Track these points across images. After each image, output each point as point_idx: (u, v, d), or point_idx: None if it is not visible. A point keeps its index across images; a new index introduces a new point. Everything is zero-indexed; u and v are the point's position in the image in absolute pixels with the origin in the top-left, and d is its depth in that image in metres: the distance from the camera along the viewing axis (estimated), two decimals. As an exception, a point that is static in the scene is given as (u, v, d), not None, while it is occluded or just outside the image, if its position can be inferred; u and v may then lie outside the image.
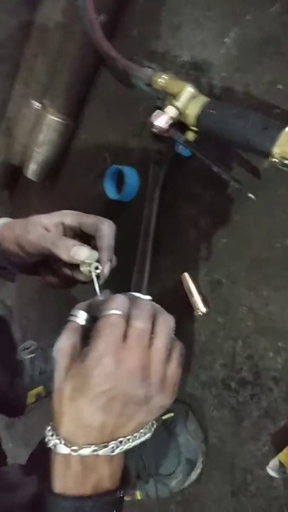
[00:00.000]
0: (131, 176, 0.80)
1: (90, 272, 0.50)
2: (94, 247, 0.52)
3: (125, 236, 0.81)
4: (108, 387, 0.37)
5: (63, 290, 0.59)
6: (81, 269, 0.51)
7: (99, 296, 0.47)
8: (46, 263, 0.57)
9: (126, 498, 0.75)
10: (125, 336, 0.39)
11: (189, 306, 0.71)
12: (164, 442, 0.70)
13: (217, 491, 0.70)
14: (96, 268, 0.50)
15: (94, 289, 0.49)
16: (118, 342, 0.38)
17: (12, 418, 0.91)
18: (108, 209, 0.87)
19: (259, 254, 0.63)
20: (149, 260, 0.76)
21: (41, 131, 0.92)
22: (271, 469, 0.60)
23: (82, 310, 0.44)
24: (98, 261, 0.51)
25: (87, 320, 0.43)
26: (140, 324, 0.39)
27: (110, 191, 0.84)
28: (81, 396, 0.38)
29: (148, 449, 0.71)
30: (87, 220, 0.53)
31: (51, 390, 0.42)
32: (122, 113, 0.85)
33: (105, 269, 0.51)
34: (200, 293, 0.70)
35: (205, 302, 0.70)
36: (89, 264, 0.50)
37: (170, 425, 0.71)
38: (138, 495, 0.74)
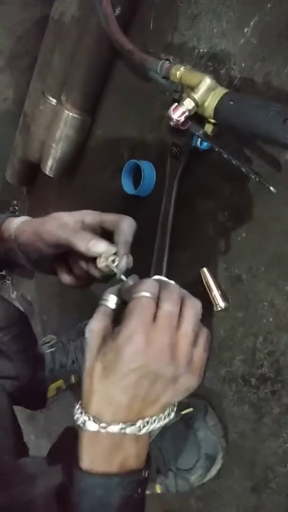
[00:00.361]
0: (149, 170, 0.79)
1: (106, 266, 0.50)
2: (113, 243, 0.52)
3: (143, 231, 0.80)
4: (138, 365, 0.39)
5: (78, 289, 0.60)
6: (98, 264, 0.51)
7: (129, 280, 0.47)
8: (62, 261, 0.57)
9: (146, 492, 0.75)
10: (155, 317, 0.40)
11: (208, 302, 0.70)
12: (183, 437, 0.70)
13: (237, 487, 0.70)
14: (113, 261, 0.50)
15: (114, 282, 0.50)
16: (148, 322, 0.40)
17: (33, 410, 0.93)
18: (126, 204, 0.86)
19: (279, 249, 0.61)
20: (167, 255, 0.76)
21: (58, 127, 0.92)
22: (293, 466, 0.59)
23: (113, 294, 0.46)
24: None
25: (118, 304, 0.45)
26: (169, 306, 0.41)
27: (128, 186, 0.84)
28: (111, 374, 0.40)
29: (168, 443, 0.72)
30: (108, 218, 0.54)
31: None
32: (139, 107, 0.84)
33: (122, 262, 0.51)
34: (219, 288, 0.69)
35: (225, 297, 0.69)
36: (106, 259, 0.50)
37: (190, 420, 0.71)
38: (158, 488, 0.74)
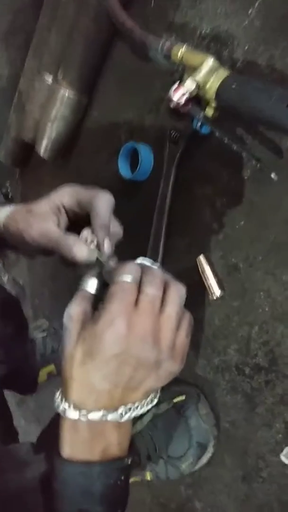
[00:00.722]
0: (146, 154, 0.77)
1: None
2: None
3: (139, 216, 0.79)
4: (119, 350, 0.38)
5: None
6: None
7: (109, 264, 0.46)
8: None
9: (137, 479, 0.75)
10: (137, 302, 0.39)
11: (204, 290, 0.69)
12: (174, 425, 0.70)
13: (228, 475, 0.70)
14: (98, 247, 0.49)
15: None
16: (130, 306, 0.39)
17: (23, 395, 0.92)
18: (122, 189, 0.84)
19: (278, 238, 0.60)
20: (163, 241, 0.74)
21: (54, 106, 0.89)
22: (285, 457, 0.59)
23: (93, 278, 0.44)
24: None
25: (98, 289, 0.44)
26: (152, 290, 0.40)
27: (124, 170, 0.82)
28: (92, 360, 0.39)
29: (159, 431, 0.71)
30: (83, 197, 0.50)
31: (61, 360, 0.43)
32: (137, 89, 0.82)
33: (105, 246, 0.48)
34: (215, 276, 0.68)
35: (221, 285, 0.68)
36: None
37: (181, 408, 0.70)
38: (148, 475, 0.74)
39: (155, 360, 0.40)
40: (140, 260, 0.46)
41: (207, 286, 0.68)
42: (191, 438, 0.69)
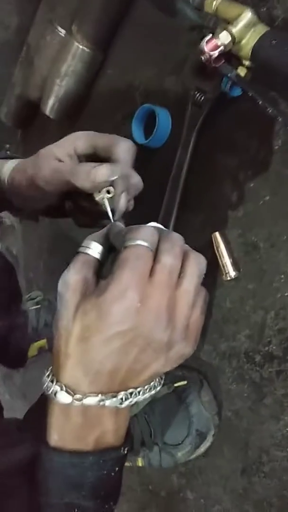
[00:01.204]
0: (164, 118, 0.71)
1: (103, 199, 0.43)
2: None
3: (150, 186, 0.73)
4: (127, 326, 0.32)
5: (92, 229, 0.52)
6: (96, 198, 0.44)
7: (115, 223, 0.40)
8: (70, 202, 0.50)
9: (127, 464, 0.71)
10: (151, 272, 0.33)
11: (217, 269, 0.64)
12: (174, 411, 0.66)
13: (226, 467, 0.66)
14: (108, 192, 0.43)
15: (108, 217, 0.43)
16: (145, 276, 0.33)
17: (11, 369, 0.87)
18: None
19: (307, 216, 0.55)
20: (175, 214, 0.69)
21: (65, 61, 0.82)
22: (294, 452, 0.55)
23: (96, 241, 0.37)
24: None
25: (102, 254, 0.37)
26: (170, 259, 0.34)
27: (138, 135, 0.76)
28: (94, 335, 0.33)
29: (156, 416, 0.67)
30: (101, 142, 0.45)
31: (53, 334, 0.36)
32: (159, 46, 0.75)
33: (121, 200, 0.43)
34: (231, 255, 0.63)
35: (236, 266, 0.63)
36: (105, 191, 0.43)
37: (183, 393, 0.66)
38: (140, 461, 0.70)
39: (167, 341, 0.34)
40: (151, 224, 0.39)
41: (221, 265, 0.63)
42: (191, 426, 0.64)
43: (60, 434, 0.36)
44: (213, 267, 0.65)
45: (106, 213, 0.44)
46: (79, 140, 0.46)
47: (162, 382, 0.39)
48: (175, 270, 0.34)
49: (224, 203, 0.64)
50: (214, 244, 0.64)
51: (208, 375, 0.67)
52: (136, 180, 0.46)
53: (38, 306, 0.83)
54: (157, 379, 0.38)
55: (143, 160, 0.78)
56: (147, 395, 0.37)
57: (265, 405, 0.60)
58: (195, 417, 0.64)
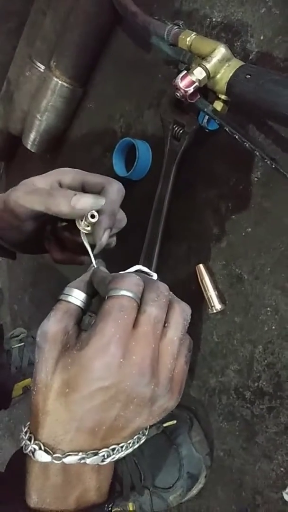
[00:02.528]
0: (144, 151, 0.71)
1: (82, 232, 0.42)
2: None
3: (133, 218, 0.72)
4: (109, 382, 0.30)
5: (74, 266, 0.51)
6: (78, 226, 0.43)
7: (98, 269, 0.38)
8: (50, 234, 0.49)
9: (117, 509, 0.67)
10: (135, 323, 0.32)
11: (203, 302, 0.62)
12: (164, 453, 0.63)
13: (220, 509, 0.63)
14: (92, 216, 0.41)
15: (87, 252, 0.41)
16: (128, 329, 0.31)
17: (-5, 411, 0.83)
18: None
19: (289, 248, 0.54)
20: (158, 247, 0.68)
21: (45, 96, 0.82)
22: (289, 495, 0.53)
23: (77, 288, 0.36)
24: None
25: (85, 302, 0.36)
26: (155, 311, 0.32)
27: (119, 168, 0.75)
28: (73, 391, 0.31)
29: (146, 458, 0.64)
30: (92, 180, 0.44)
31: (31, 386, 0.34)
32: (137, 80, 0.75)
33: (103, 236, 0.42)
34: (216, 288, 0.62)
35: (222, 298, 0.61)
36: (89, 217, 0.41)
37: (172, 434, 0.63)
38: (131, 506, 0.66)
39: (151, 395, 0.32)
40: (136, 268, 0.38)
41: (206, 298, 0.62)
42: (181, 468, 0.62)
43: (40, 494, 0.33)
44: (199, 300, 0.63)
45: (85, 248, 0.42)
46: (67, 174, 0.44)
47: (146, 433, 0.37)
48: (160, 320, 0.33)
49: (207, 234, 0.64)
50: (199, 276, 0.63)
51: (198, 412, 0.65)
52: (121, 216, 0.46)
53: (22, 344, 0.81)
54: (141, 432, 0.36)
55: (126, 192, 0.77)
56: (130, 450, 0.35)
57: (258, 443, 0.58)
58: (186, 459, 0.61)
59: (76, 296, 0.35)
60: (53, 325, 0.33)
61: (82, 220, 0.42)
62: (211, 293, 0.61)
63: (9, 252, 0.53)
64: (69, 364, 0.31)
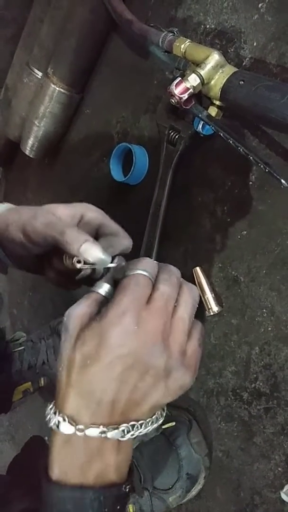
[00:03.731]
0: (141, 156, 0.72)
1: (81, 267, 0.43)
2: None
3: (130, 223, 0.73)
4: (126, 350, 0.33)
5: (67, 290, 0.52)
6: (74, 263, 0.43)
7: (118, 262, 0.41)
8: (49, 260, 0.49)
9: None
10: (149, 299, 0.35)
11: (200, 305, 0.63)
12: (163, 454, 0.63)
13: (219, 510, 0.63)
14: (78, 262, 0.41)
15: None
16: (142, 302, 0.34)
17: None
18: (113, 192, 0.79)
19: (284, 250, 0.55)
20: (156, 250, 0.69)
21: (42, 103, 0.83)
22: (286, 494, 0.53)
23: (106, 283, 0.39)
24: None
25: (109, 292, 0.39)
26: (167, 288, 0.36)
27: (116, 173, 0.76)
28: (94, 362, 0.34)
29: (145, 460, 0.64)
30: (111, 225, 0.46)
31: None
32: (133, 86, 0.76)
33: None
34: (213, 290, 0.63)
35: (219, 301, 0.62)
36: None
37: (171, 435, 0.64)
38: (131, 508, 0.67)
39: (165, 365, 0.34)
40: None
41: (203, 300, 0.62)
42: (181, 469, 0.62)
43: (62, 467, 0.35)
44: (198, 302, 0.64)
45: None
46: (91, 211, 0.45)
47: (164, 415, 0.38)
48: (172, 298, 0.36)
49: (203, 237, 0.65)
50: (196, 279, 0.64)
51: (197, 414, 0.65)
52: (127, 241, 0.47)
53: (22, 348, 0.81)
54: (158, 412, 0.37)
55: (122, 197, 0.79)
56: (149, 428, 0.36)
57: (255, 444, 0.58)
58: (185, 460, 0.62)
59: (106, 289, 0.39)
60: (82, 308, 0.36)
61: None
62: (208, 295, 0.62)
63: (1, 265, 0.53)
64: (89, 335, 0.34)
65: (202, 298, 0.62)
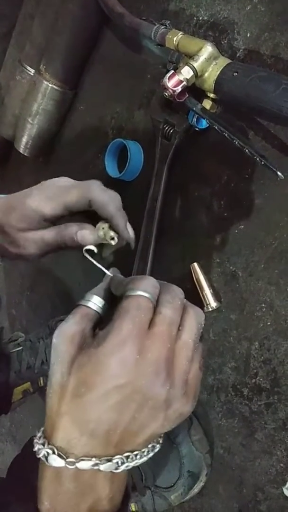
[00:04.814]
0: (136, 151, 0.71)
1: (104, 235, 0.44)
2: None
3: (128, 218, 0.72)
4: (125, 380, 0.30)
5: (72, 272, 0.51)
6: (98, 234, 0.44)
7: (116, 276, 0.39)
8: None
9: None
10: (151, 324, 0.32)
11: (198, 301, 0.62)
12: (164, 452, 0.63)
13: (222, 507, 0.63)
14: (112, 238, 0.43)
15: (100, 269, 0.42)
16: (144, 328, 0.31)
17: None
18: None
19: (282, 244, 0.54)
20: (153, 246, 0.68)
21: (36, 100, 0.82)
22: (289, 490, 0.53)
23: (96, 295, 0.36)
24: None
25: (103, 308, 0.36)
26: (170, 312, 0.33)
27: (112, 169, 0.75)
28: (90, 390, 0.31)
29: (146, 458, 0.64)
30: (111, 204, 0.45)
31: (43, 386, 0.34)
32: (127, 81, 0.76)
33: (130, 232, 0.45)
34: (211, 286, 0.62)
35: (217, 296, 0.61)
36: (104, 231, 0.44)
37: (172, 433, 0.63)
38: (133, 507, 0.66)
39: (166, 397, 0.31)
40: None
41: (201, 296, 0.62)
42: (182, 467, 0.62)
43: (52, 501, 0.33)
44: (194, 298, 0.63)
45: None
46: (73, 196, 0.45)
47: (161, 442, 0.36)
48: (175, 322, 0.33)
49: (201, 232, 0.64)
50: (193, 275, 0.63)
51: (197, 411, 0.65)
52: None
53: (20, 348, 0.80)
54: (155, 440, 0.35)
55: (119, 193, 0.78)
56: (145, 458, 0.33)
57: (257, 440, 0.58)
58: (186, 457, 0.61)
59: (95, 302, 0.36)
60: (72, 327, 0.33)
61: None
62: (206, 291, 0.61)
63: None
64: (85, 362, 0.31)
65: (200, 294, 0.62)
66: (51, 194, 0.45)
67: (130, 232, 0.45)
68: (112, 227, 0.44)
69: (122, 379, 0.30)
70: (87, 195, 0.44)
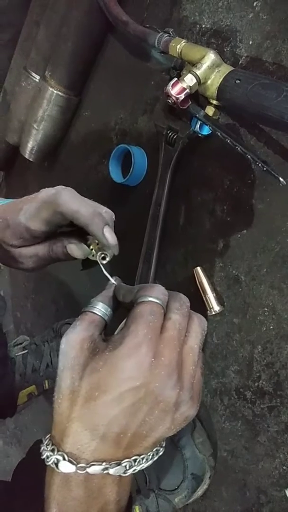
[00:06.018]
0: (140, 157, 0.72)
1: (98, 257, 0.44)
2: None
3: (131, 224, 0.73)
4: (140, 382, 0.31)
5: (76, 275, 0.52)
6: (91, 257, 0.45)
7: (120, 284, 0.40)
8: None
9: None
10: (162, 329, 0.34)
11: (202, 305, 0.63)
12: (168, 455, 0.63)
13: (225, 509, 0.63)
14: (103, 258, 0.44)
15: (103, 275, 0.43)
16: (158, 332, 0.33)
17: (1, 419, 0.84)
18: (113, 194, 0.79)
19: (284, 248, 0.55)
20: (157, 251, 0.69)
21: (41, 106, 0.84)
22: (291, 493, 0.53)
23: (102, 302, 0.38)
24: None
25: (107, 314, 0.37)
26: (179, 318, 0.34)
27: (116, 174, 0.76)
28: (104, 393, 0.31)
29: (150, 461, 0.64)
30: (83, 212, 0.42)
31: (48, 389, 0.34)
32: (131, 88, 0.77)
33: (108, 237, 0.43)
34: (214, 290, 0.62)
35: (220, 300, 0.62)
36: (96, 248, 0.44)
37: (175, 436, 0.64)
38: (137, 509, 0.67)
39: (176, 400, 0.32)
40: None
41: (204, 300, 0.62)
42: (186, 470, 0.62)
43: (61, 507, 0.33)
44: (198, 302, 0.64)
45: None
46: (58, 212, 0.42)
47: (164, 445, 0.37)
48: (183, 328, 0.34)
49: (204, 237, 0.64)
50: (197, 279, 0.64)
51: (201, 414, 0.65)
52: (105, 210, 0.45)
53: (25, 351, 0.81)
54: (159, 444, 0.36)
55: (122, 198, 0.79)
56: (150, 462, 0.34)
57: (260, 443, 0.58)
58: (190, 460, 0.62)
59: (101, 308, 0.37)
60: (80, 333, 0.34)
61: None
62: (209, 295, 0.62)
63: None
64: (100, 366, 0.32)
65: (203, 298, 0.62)
66: (33, 210, 0.42)
67: (109, 238, 0.42)
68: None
69: (137, 381, 0.31)
70: (57, 209, 0.41)
